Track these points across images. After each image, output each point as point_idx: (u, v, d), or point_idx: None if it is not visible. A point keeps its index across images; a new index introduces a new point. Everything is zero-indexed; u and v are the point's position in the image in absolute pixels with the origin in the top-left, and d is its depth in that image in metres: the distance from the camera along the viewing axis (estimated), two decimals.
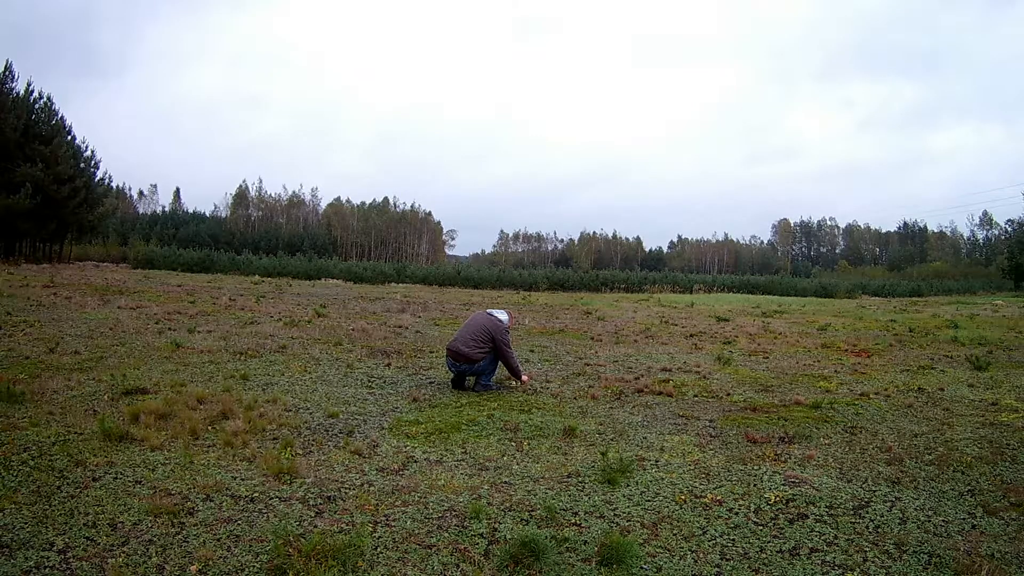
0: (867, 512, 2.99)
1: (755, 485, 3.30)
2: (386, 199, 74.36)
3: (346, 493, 3.06)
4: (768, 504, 3.05)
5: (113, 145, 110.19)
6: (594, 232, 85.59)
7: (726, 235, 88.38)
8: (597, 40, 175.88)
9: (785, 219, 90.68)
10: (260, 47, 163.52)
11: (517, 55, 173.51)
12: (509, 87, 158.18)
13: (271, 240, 58.41)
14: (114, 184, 44.28)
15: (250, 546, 2.49)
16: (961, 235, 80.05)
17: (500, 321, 5.70)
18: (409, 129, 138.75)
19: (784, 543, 2.68)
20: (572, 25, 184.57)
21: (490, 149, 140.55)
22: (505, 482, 3.30)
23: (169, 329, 8.40)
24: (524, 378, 5.88)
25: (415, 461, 3.59)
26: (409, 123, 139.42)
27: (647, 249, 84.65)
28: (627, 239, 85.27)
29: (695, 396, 5.64)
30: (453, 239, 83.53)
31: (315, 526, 2.67)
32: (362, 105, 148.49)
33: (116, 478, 3.10)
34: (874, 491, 3.27)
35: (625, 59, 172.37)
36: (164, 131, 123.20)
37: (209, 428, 3.98)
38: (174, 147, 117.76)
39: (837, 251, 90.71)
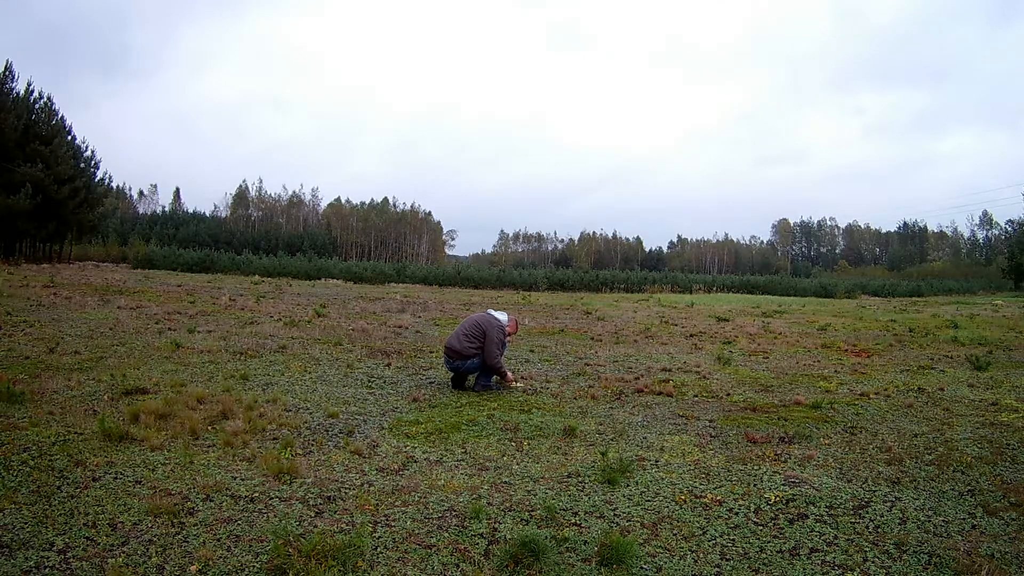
0: (867, 512, 2.99)
1: (755, 485, 3.30)
2: (386, 199, 74.50)
3: (346, 493, 3.06)
4: (768, 504, 3.05)
5: (120, 145, 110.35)
6: (594, 232, 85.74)
7: (726, 235, 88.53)
8: (617, 44, 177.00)
9: (785, 219, 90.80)
10: (281, 49, 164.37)
11: (543, 59, 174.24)
12: (529, 89, 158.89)
13: (271, 240, 58.41)
14: (114, 184, 44.37)
15: (250, 546, 2.49)
16: (961, 235, 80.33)
17: (496, 318, 5.71)
18: (426, 132, 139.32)
19: (784, 543, 2.68)
20: (594, 30, 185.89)
21: (504, 151, 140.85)
22: (505, 482, 3.30)
23: (169, 329, 8.40)
24: (508, 376, 5.76)
25: (415, 461, 3.59)
26: (426, 126, 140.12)
27: (647, 249, 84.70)
28: (627, 239, 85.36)
29: (695, 396, 5.64)
30: (453, 239, 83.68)
31: (315, 526, 2.67)
32: (377, 107, 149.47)
33: (116, 478, 3.09)
34: (874, 491, 3.27)
35: (642, 64, 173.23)
36: (166, 131, 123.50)
37: (209, 428, 3.98)
38: (175, 147, 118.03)
39: (837, 251, 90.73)
